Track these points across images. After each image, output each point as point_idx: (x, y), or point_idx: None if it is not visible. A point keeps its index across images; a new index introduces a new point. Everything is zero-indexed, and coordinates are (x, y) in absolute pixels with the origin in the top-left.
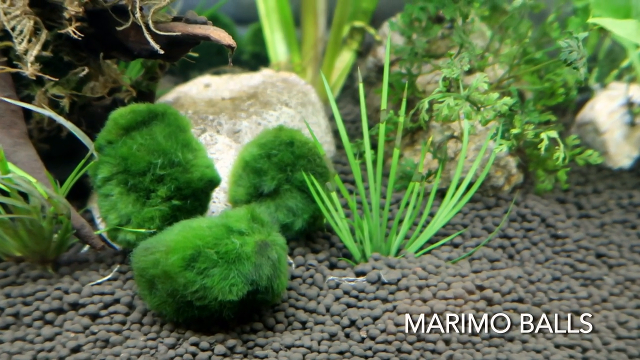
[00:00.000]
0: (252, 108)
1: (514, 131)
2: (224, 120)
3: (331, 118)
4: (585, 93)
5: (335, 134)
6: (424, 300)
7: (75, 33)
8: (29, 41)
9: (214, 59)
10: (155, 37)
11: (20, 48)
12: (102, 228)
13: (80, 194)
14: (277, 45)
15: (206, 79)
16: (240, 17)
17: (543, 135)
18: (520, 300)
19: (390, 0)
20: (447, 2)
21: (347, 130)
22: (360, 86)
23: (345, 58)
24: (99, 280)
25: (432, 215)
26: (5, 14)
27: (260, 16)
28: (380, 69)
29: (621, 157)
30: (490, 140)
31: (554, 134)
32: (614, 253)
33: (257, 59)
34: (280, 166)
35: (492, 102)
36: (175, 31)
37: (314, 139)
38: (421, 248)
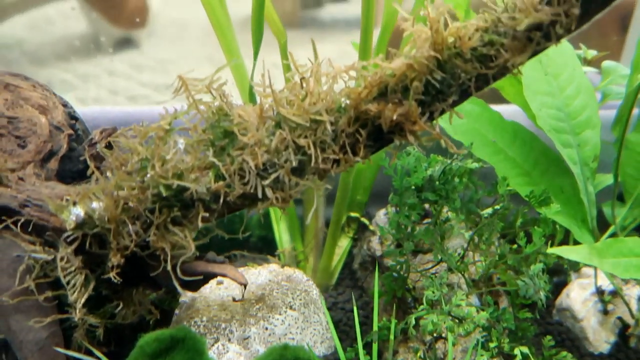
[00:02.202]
0: (260, 312)
1: (492, 345)
2: (235, 327)
3: (330, 308)
4: (561, 275)
5: (337, 324)
6: None
7: (115, 278)
8: (79, 291)
9: (226, 243)
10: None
11: (72, 298)
12: None
13: None
14: (282, 233)
15: None
16: None
17: (516, 351)
18: None
19: (382, 186)
20: (427, 229)
21: (345, 320)
22: (355, 310)
23: (343, 244)
24: None
25: None
26: (63, 269)
27: None
28: (373, 260)
29: (600, 343)
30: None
31: (526, 349)
32: None
33: (264, 242)
34: None
35: (471, 316)
36: (197, 270)
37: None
38: None
